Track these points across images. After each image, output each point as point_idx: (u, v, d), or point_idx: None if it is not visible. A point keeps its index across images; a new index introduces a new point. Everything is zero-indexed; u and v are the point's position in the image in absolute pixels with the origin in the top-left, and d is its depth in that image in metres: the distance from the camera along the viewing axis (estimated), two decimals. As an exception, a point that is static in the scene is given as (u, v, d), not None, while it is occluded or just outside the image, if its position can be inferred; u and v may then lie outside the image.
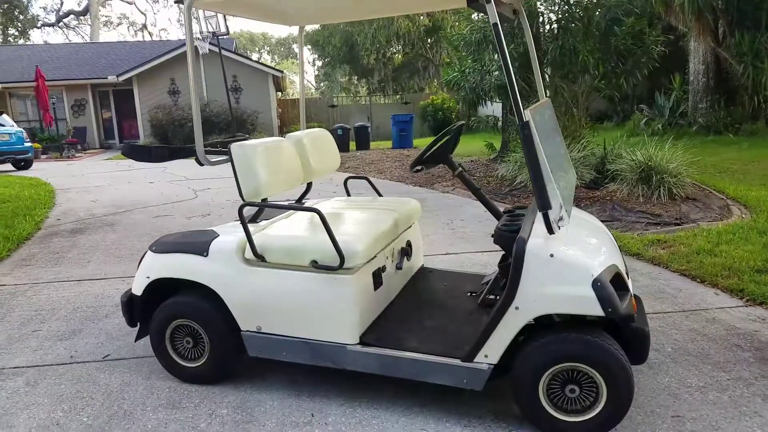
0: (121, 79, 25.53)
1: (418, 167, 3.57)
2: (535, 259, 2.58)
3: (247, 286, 3.07)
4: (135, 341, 3.45)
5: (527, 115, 2.47)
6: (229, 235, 3.17)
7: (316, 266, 2.91)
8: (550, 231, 2.53)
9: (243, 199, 3.08)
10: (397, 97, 29.89)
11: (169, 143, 24.30)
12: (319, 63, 42.82)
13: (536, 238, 2.62)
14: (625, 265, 3.05)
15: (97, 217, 8.34)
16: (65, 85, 26.40)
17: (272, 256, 3.02)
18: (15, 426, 2.93)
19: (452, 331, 3.03)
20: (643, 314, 2.98)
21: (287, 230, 3.23)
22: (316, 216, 2.92)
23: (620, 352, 2.56)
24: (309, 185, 4.03)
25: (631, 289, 2.73)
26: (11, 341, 3.97)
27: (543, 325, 2.71)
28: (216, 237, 3.18)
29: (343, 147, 19.19)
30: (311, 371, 3.23)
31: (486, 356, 2.69)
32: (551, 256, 2.57)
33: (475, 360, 2.70)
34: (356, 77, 37.94)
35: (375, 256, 3.14)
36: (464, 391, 2.87)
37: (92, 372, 3.48)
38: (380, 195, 4.22)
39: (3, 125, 17.61)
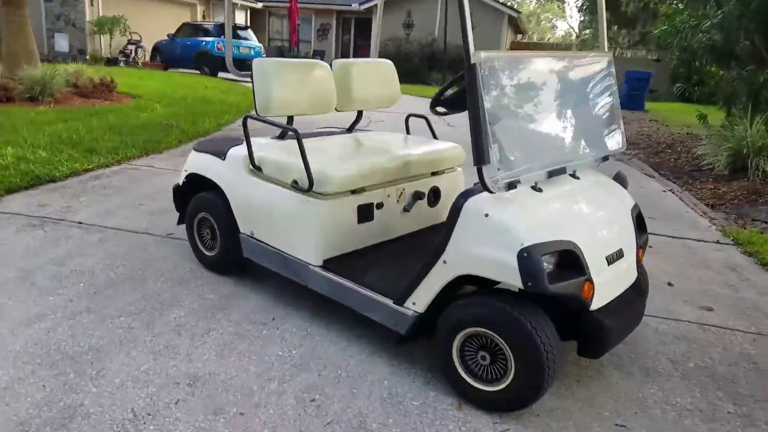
0: (362, 7, 27.44)
1: (439, 108, 3.43)
2: (470, 217, 2.51)
3: (246, 192, 3.46)
4: (176, 224, 4.11)
5: (478, 57, 2.36)
6: (245, 146, 3.57)
7: (294, 185, 3.18)
8: (485, 188, 2.44)
9: (256, 113, 3.43)
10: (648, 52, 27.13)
11: (396, 75, 25.67)
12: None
13: (480, 196, 2.53)
14: (638, 252, 2.84)
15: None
16: (314, 9, 29.17)
17: (267, 169, 3.34)
18: (64, 265, 3.79)
19: (407, 275, 3.08)
20: (623, 310, 2.70)
21: (287, 149, 3.50)
22: (344, 141, 3.13)
23: (538, 327, 2.39)
24: (359, 114, 4.19)
25: (589, 275, 2.48)
26: (119, 208, 4.98)
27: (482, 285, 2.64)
28: (236, 145, 3.60)
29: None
30: (295, 285, 3.53)
31: (414, 303, 2.73)
32: (486, 215, 2.47)
33: (404, 305, 2.76)
34: (616, 26, 35.03)
35: (363, 189, 3.27)
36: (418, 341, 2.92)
37: (149, 243, 4.24)
38: (435, 137, 4.21)
39: (247, 39, 20.49)
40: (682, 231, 5.29)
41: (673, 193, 6.79)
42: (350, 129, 4.26)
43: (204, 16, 26.78)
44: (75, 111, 9.22)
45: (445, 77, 23.13)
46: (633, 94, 18.26)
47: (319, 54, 28.11)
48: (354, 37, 29.66)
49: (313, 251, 3.13)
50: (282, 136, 3.74)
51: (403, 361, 2.92)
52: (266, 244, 3.37)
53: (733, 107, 8.28)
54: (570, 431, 2.50)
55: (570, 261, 2.47)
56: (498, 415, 2.56)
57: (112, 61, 19.80)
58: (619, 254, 2.70)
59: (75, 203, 5.02)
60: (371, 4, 26.74)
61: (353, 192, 3.20)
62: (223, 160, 3.56)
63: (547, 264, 2.43)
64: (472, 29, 2.39)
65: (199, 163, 3.72)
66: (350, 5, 28.01)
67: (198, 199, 3.77)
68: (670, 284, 4.06)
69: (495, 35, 25.16)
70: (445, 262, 2.58)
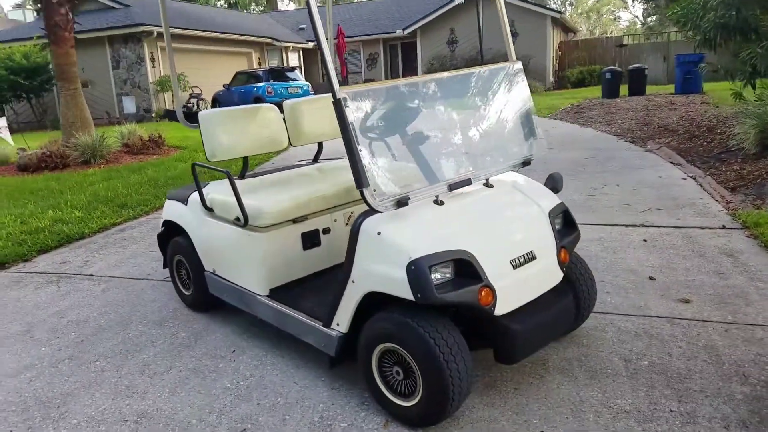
0: (406, 32, 27.80)
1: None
2: (366, 236, 2.55)
3: (204, 232, 3.62)
4: (163, 268, 4.33)
5: (341, 93, 2.40)
6: (203, 189, 3.73)
7: (235, 222, 3.31)
8: (370, 208, 2.47)
9: (207, 159, 3.61)
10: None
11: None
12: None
13: (375, 216, 2.56)
14: (560, 252, 2.79)
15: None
16: (362, 41, 29.82)
17: (217, 209, 3.49)
18: (64, 317, 4.08)
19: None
20: (539, 314, 2.63)
21: (215, 186, 3.61)
22: (293, 173, 3.29)
23: (438, 337, 2.36)
24: (319, 145, 4.27)
25: (486, 281, 2.44)
26: (130, 258, 5.29)
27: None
28: (194, 190, 3.79)
29: (612, 92, 17.84)
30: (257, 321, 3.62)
31: (338, 324, 2.77)
32: (378, 233, 2.51)
33: (330, 327, 2.81)
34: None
35: (305, 217, 3.35)
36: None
37: (146, 288, 4.48)
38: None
39: (295, 79, 21.25)
40: (686, 220, 5.01)
41: (695, 179, 6.43)
42: (314, 160, 4.37)
43: (260, 63, 27.92)
44: (120, 169, 9.87)
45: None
46: (687, 78, 17.42)
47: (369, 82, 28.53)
48: (402, 61, 30.02)
49: (258, 282, 3.23)
50: (242, 176, 3.89)
51: (345, 383, 2.95)
52: (225, 279, 3.51)
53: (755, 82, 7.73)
54: (490, 443, 2.43)
55: (467, 269, 2.44)
56: (418, 429, 2.53)
57: (170, 115, 20.98)
58: (528, 257, 2.64)
59: (93, 257, 5.38)
60: (413, 27, 27.04)
61: (294, 221, 3.29)
62: (186, 204, 3.74)
63: (443, 274, 2.42)
64: (514, 36, 2.45)
65: (170, 209, 3.94)
66: (394, 32, 28.43)
67: (173, 243, 3.97)
68: (651, 278, 3.86)
69: (540, 38, 24.74)
70: (353, 281, 2.61)
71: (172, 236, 3.97)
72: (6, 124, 11.07)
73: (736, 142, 7.22)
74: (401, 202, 2.48)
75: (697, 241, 4.49)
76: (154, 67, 22.30)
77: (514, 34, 25.43)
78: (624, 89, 18.28)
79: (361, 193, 2.39)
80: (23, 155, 10.41)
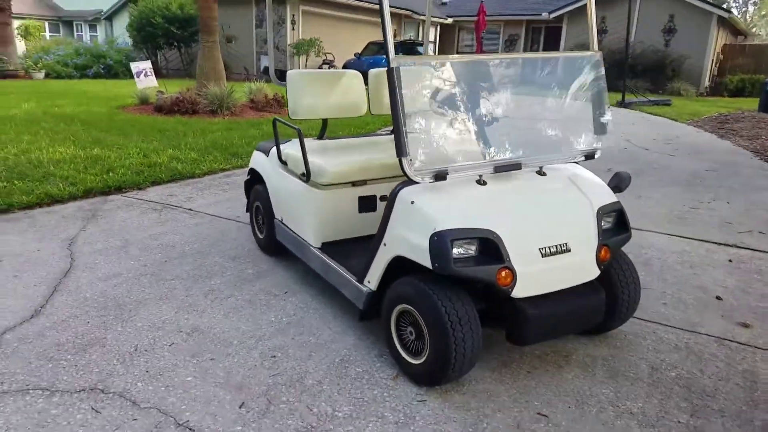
0: (552, 16, 27.02)
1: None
2: (401, 204, 2.78)
3: (277, 183, 4.02)
4: (245, 212, 4.80)
5: (395, 62, 2.60)
6: (283, 145, 4.11)
7: (301, 177, 3.66)
8: (407, 177, 2.68)
9: (289, 116, 3.98)
10: None
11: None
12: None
13: (413, 186, 2.77)
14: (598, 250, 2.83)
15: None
16: (504, 21, 29.37)
17: (290, 163, 3.86)
18: (157, 240, 4.69)
19: None
20: (563, 306, 2.73)
21: (314, 147, 3.94)
22: (367, 141, 3.58)
23: (449, 306, 2.54)
24: None
25: (508, 263, 2.58)
26: (228, 200, 5.88)
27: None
28: (276, 144, 4.17)
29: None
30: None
31: (369, 282, 3.04)
32: (412, 203, 2.72)
33: (363, 283, 3.09)
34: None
35: (365, 182, 3.63)
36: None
37: (232, 228, 4.99)
38: None
39: (420, 54, 21.48)
40: (788, 248, 4.71)
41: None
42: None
43: (395, 34, 28.45)
44: (241, 122, 10.70)
45: (638, 83, 21.88)
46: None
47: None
48: (543, 46, 29.23)
49: (313, 234, 3.57)
50: (320, 137, 4.23)
51: (371, 336, 3.21)
52: (288, 227, 3.89)
53: None
54: (485, 411, 2.60)
55: (492, 249, 2.60)
56: (424, 388, 2.75)
57: (267, 72, 22.04)
58: (561, 248, 2.72)
59: (196, 194, 6.03)
60: (561, 12, 26.19)
61: (354, 184, 3.57)
62: (267, 156, 4.15)
63: (466, 250, 2.60)
64: (672, 33, 2.63)
65: (256, 159, 4.38)
66: (540, 14, 27.71)
67: (255, 190, 4.42)
68: (718, 298, 3.75)
69: (701, 38, 23.09)
70: (385, 244, 2.86)
71: (255, 184, 4.41)
72: (150, 66, 12.29)
73: None
74: (439, 176, 2.66)
75: (790, 271, 4.25)
76: (293, 29, 23.46)
77: (671, 30, 23.92)
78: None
79: (400, 161, 2.60)
80: (160, 98, 11.57)
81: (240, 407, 2.58)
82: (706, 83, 23.98)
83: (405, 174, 2.61)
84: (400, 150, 2.57)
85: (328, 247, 3.54)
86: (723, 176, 7.54)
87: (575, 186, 2.97)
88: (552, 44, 27.87)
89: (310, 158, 3.51)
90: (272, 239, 4.17)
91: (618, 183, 3.16)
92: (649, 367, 2.96)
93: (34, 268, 4.02)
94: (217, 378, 2.80)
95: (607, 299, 2.97)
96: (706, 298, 3.75)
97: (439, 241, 2.51)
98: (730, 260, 4.42)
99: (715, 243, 4.82)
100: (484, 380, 2.82)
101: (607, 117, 3.13)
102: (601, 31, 25.60)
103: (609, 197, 2.99)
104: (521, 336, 2.68)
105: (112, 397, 2.63)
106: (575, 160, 3.09)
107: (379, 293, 2.96)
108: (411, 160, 2.58)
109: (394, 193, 2.78)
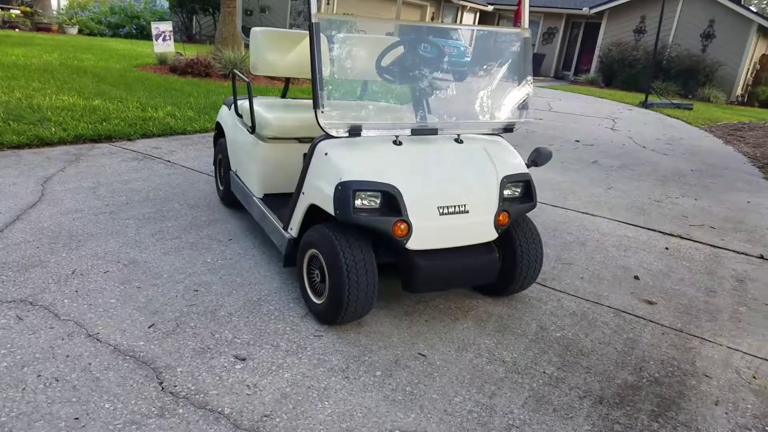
0: (593, 11, 26.73)
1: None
2: (317, 155, 3.01)
3: (233, 135, 4.28)
4: (213, 164, 5.08)
5: (316, 18, 2.81)
6: (243, 98, 4.38)
7: (249, 129, 3.91)
8: (321, 128, 2.92)
9: (248, 70, 4.23)
10: None
11: (612, 80, 24.84)
12: None
13: (330, 140, 3.00)
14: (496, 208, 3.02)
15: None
16: (543, 12, 29.09)
17: (244, 116, 4.11)
18: (127, 185, 5.00)
19: None
20: (456, 262, 2.95)
21: (269, 103, 4.19)
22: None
23: (347, 250, 2.78)
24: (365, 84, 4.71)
25: (405, 217, 2.79)
26: (210, 156, 6.19)
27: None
28: (241, 99, 4.43)
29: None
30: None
31: (291, 229, 3.30)
32: (326, 154, 2.97)
33: (287, 230, 3.35)
34: None
35: (311, 139, 3.85)
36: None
37: (202, 180, 5.28)
38: None
39: (457, 39, 21.45)
40: (730, 243, 4.85)
41: (785, 211, 6.02)
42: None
43: (433, 17, 28.40)
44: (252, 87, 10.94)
45: (668, 86, 21.68)
46: None
47: (538, 59, 27.88)
48: (581, 41, 28.94)
49: (256, 185, 3.83)
50: (283, 95, 4.47)
51: (296, 282, 3.47)
52: (239, 179, 4.16)
53: None
54: (371, 348, 2.85)
55: (394, 203, 2.83)
56: (325, 326, 3.00)
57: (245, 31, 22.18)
58: (458, 209, 2.93)
59: (180, 149, 6.33)
60: (602, 8, 25.91)
61: (300, 140, 3.81)
62: (230, 110, 4.42)
63: (370, 202, 2.83)
64: (710, 38, 2.83)
65: (220, 113, 4.65)
66: (580, 9, 27.43)
67: (219, 143, 4.69)
68: (636, 278, 3.93)
69: (738, 45, 22.68)
70: (303, 193, 3.11)
71: (220, 137, 4.68)
72: (171, 29, 12.63)
73: None
74: (353, 131, 2.88)
75: (720, 261, 4.39)
76: (328, 4, 23.63)
77: (710, 36, 23.55)
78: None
79: (316, 114, 2.84)
80: (177, 59, 11.91)
81: (149, 327, 2.86)
82: (739, 92, 23.58)
83: (320, 126, 2.84)
84: (316, 102, 2.80)
85: (269, 199, 3.79)
86: (705, 176, 7.60)
87: (487, 155, 3.17)
88: (590, 40, 27.62)
89: (261, 113, 3.75)
90: (229, 191, 4.45)
91: (536, 158, 3.36)
92: (538, 327, 3.17)
93: (4, 199, 4.35)
94: (138, 303, 3.09)
95: (507, 263, 3.19)
96: (623, 276, 3.93)
97: (343, 191, 2.75)
98: (666, 248, 4.58)
99: (660, 232, 4.97)
100: (382, 324, 3.06)
101: (528, 92, 3.31)
102: (640, 31, 25.31)
103: (517, 168, 3.18)
104: (411, 284, 2.91)
105: (37, 309, 2.93)
106: (494, 132, 3.28)
107: (299, 240, 3.21)
108: (323, 112, 2.81)
109: (314, 145, 3.01)
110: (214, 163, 4.91)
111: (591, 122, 12.06)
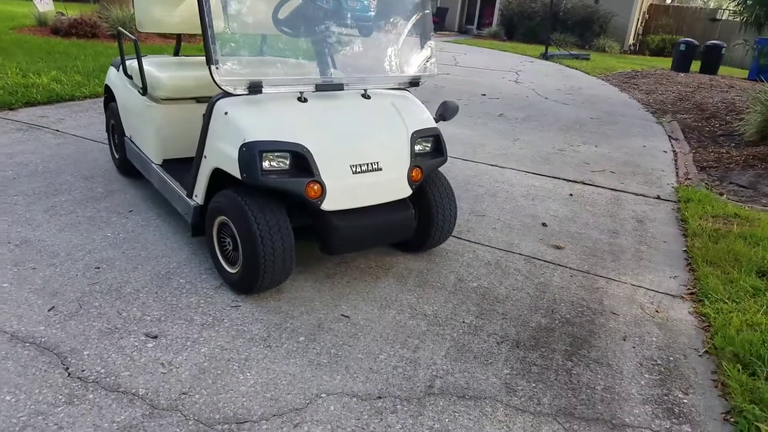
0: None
1: None
2: (216, 115, 2.85)
3: (125, 98, 3.99)
4: (106, 131, 4.74)
5: None
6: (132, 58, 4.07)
7: (140, 90, 3.65)
8: (217, 86, 2.75)
9: (135, 28, 3.94)
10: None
11: (514, 33, 25.33)
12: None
13: (230, 98, 2.84)
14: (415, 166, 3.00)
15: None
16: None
17: (134, 77, 3.84)
18: (12, 158, 4.60)
19: None
20: (371, 220, 2.91)
21: (161, 62, 3.94)
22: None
23: (259, 215, 2.67)
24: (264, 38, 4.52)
25: (317, 177, 2.70)
26: (103, 122, 5.78)
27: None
28: (130, 59, 4.14)
29: (682, 66, 17.17)
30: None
31: (196, 196, 3.13)
32: (225, 113, 2.80)
33: (192, 197, 3.18)
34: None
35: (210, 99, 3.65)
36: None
37: (96, 149, 4.95)
38: None
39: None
40: (628, 185, 5.11)
41: (675, 154, 6.42)
42: None
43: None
44: (143, 48, 10.29)
45: (566, 38, 22.38)
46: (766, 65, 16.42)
47: (442, 12, 27.87)
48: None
49: (154, 151, 3.61)
50: (176, 53, 4.21)
51: (206, 252, 3.33)
52: (135, 145, 3.90)
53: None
54: (293, 314, 2.79)
55: (304, 164, 2.73)
56: (242, 296, 2.90)
57: None
58: (371, 167, 2.88)
59: (70, 117, 5.89)
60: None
61: (198, 101, 3.60)
62: (118, 71, 4.11)
63: (279, 163, 2.72)
64: None
65: (109, 74, 4.32)
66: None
67: (110, 108, 4.38)
68: (543, 224, 4.07)
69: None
70: (205, 156, 2.95)
71: (111, 101, 4.37)
72: (47, -12, 11.63)
73: (739, 128, 7.08)
74: (253, 88, 2.75)
75: (621, 204, 4.63)
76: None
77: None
78: (697, 65, 17.48)
79: (210, 70, 2.67)
80: (58, 19, 11.00)
81: (49, 311, 2.67)
82: (631, 41, 24.69)
83: (215, 83, 2.68)
84: (209, 57, 2.63)
85: (169, 165, 3.59)
86: (604, 123, 7.95)
87: (396, 110, 3.12)
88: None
89: (152, 72, 3.51)
90: (125, 158, 4.18)
91: (443, 112, 3.35)
92: (456, 279, 3.22)
93: None
94: (34, 285, 2.87)
95: (422, 219, 3.20)
96: (532, 224, 4.06)
97: (248, 152, 2.62)
98: (571, 194, 4.77)
99: (564, 180, 5.16)
100: (303, 289, 3.01)
101: (432, 46, 3.28)
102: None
103: (426, 123, 3.16)
104: (329, 247, 2.86)
105: None
106: (400, 86, 3.24)
107: (206, 207, 3.06)
108: (218, 68, 2.65)
109: (211, 104, 2.85)
110: (107, 130, 4.59)
111: (496, 75, 12.29)
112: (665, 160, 6.16)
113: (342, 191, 2.80)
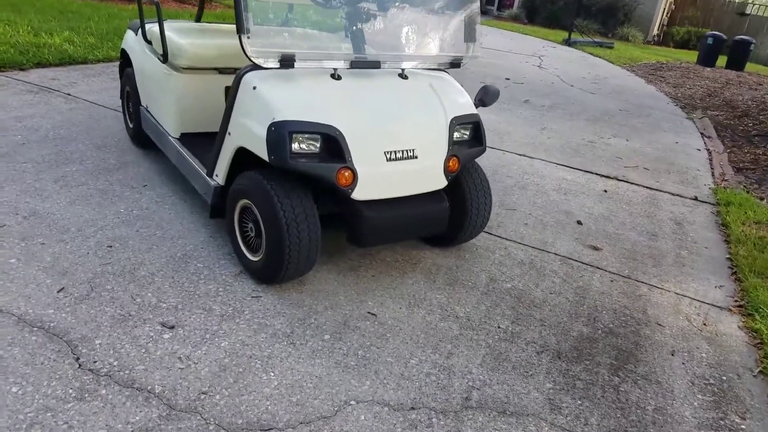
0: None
1: None
2: (244, 89, 2.65)
3: (142, 65, 3.78)
4: (120, 98, 4.54)
5: None
6: (151, 22, 3.87)
7: (160, 57, 3.45)
8: (247, 57, 2.55)
9: None
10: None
11: (535, 16, 24.88)
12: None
13: (258, 71, 2.64)
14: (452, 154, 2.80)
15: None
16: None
17: (154, 42, 3.62)
18: (21, 122, 4.41)
19: None
20: (404, 212, 2.72)
21: (181, 28, 3.73)
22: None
23: (285, 201, 2.49)
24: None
25: (349, 163, 2.52)
26: (116, 88, 5.58)
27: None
28: (150, 23, 3.92)
29: (708, 60, 16.79)
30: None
31: (217, 175, 2.95)
32: (254, 88, 2.60)
33: (212, 177, 2.99)
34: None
35: (234, 70, 3.45)
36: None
37: (108, 116, 4.75)
38: None
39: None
40: (664, 184, 4.90)
41: (709, 152, 6.19)
42: None
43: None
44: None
45: (589, 25, 21.94)
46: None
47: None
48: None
49: (172, 122, 3.41)
50: (198, 19, 4.00)
51: (224, 235, 3.15)
52: (152, 115, 3.71)
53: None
54: (317, 308, 2.62)
55: (336, 147, 2.54)
56: (263, 285, 2.73)
57: None
58: (407, 154, 2.69)
59: (82, 80, 5.68)
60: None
61: (220, 71, 3.40)
62: (136, 35, 3.90)
63: (309, 146, 2.52)
64: None
65: (126, 39, 4.11)
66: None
67: (126, 73, 4.17)
68: (579, 222, 3.88)
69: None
70: (229, 133, 2.76)
71: (127, 67, 4.16)
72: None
73: (778, 127, 6.85)
74: (285, 61, 2.54)
75: (658, 204, 4.43)
76: None
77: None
78: (723, 60, 17.11)
79: (240, 40, 2.47)
80: (71, -22, 10.70)
81: (58, 292, 2.51)
82: (655, 32, 24.21)
83: (246, 55, 2.49)
84: (240, 26, 2.43)
85: (187, 139, 3.41)
86: (632, 116, 7.71)
87: (434, 93, 2.92)
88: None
89: (174, 38, 3.31)
90: (140, 128, 3.99)
91: (483, 97, 3.15)
92: (488, 278, 3.05)
93: None
94: (43, 262, 2.71)
95: (456, 212, 3.01)
96: (566, 222, 3.87)
97: (277, 132, 2.43)
98: (605, 190, 4.57)
99: (597, 174, 4.96)
100: (326, 281, 2.84)
101: (476, 23, 3.07)
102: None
103: (466, 109, 2.96)
104: (358, 238, 2.68)
105: None
106: (440, 67, 3.03)
107: (228, 188, 2.88)
108: (250, 37, 2.45)
109: (239, 77, 2.65)
110: (122, 97, 4.40)
111: (518, 59, 12.00)
112: (699, 158, 5.94)
113: (374, 180, 2.61)
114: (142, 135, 3.97)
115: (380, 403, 2.11)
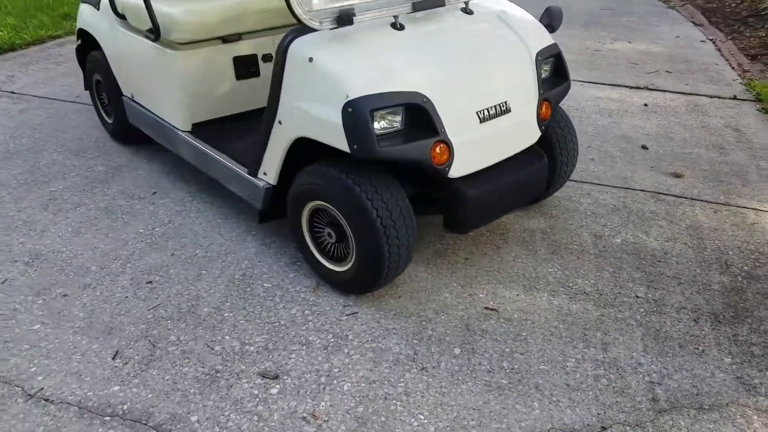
0: None
1: None
2: (294, 63, 2.09)
3: (117, 46, 3.10)
4: (84, 89, 3.81)
5: None
6: None
7: (147, 34, 2.78)
8: (297, 20, 1.99)
9: None
10: None
11: None
12: None
13: (308, 35, 2.09)
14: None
15: None
16: None
17: (129, 16, 2.93)
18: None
19: None
20: (505, 179, 2.27)
21: None
22: None
23: (374, 197, 2.02)
24: None
25: (443, 135, 2.04)
26: (62, 75, 4.78)
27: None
28: None
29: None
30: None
31: (265, 174, 2.40)
32: (310, 60, 2.05)
33: (257, 176, 2.45)
34: None
35: (240, 37, 2.84)
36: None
37: (71, 112, 4.02)
38: None
39: None
40: (696, 86, 4.56)
41: (714, 42, 5.86)
42: None
43: None
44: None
45: None
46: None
47: None
48: None
49: (177, 114, 2.81)
50: None
51: (278, 240, 2.66)
52: (143, 107, 3.07)
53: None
54: (427, 315, 2.20)
55: (421, 118, 2.03)
56: (352, 297, 2.28)
57: None
58: (500, 109, 2.22)
59: (20, 72, 4.86)
60: None
61: (224, 41, 2.78)
62: (98, 9, 3.19)
63: (390, 122, 2.02)
64: None
65: (82, 16, 3.38)
66: None
67: (91, 58, 3.47)
68: (644, 147, 3.51)
69: None
70: (280, 122, 2.21)
71: (91, 50, 3.45)
72: None
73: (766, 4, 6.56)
74: (343, 18, 2.00)
75: (703, 110, 4.10)
76: None
77: None
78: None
79: (288, 1, 1.91)
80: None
81: (113, 358, 2.00)
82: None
83: (295, 17, 1.93)
84: None
85: (200, 130, 2.82)
86: (617, 14, 7.29)
87: (508, 26, 2.42)
88: None
89: (162, 8, 2.65)
90: (125, 123, 3.34)
91: (550, 20, 2.67)
92: (592, 236, 2.67)
93: None
94: (75, 321, 2.18)
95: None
96: (631, 149, 3.50)
97: (356, 114, 1.91)
98: (645, 104, 4.21)
99: (628, 87, 4.58)
100: (418, 278, 2.41)
101: None
102: None
103: (546, 39, 2.49)
104: (463, 223, 2.24)
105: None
106: None
107: (281, 187, 2.35)
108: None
109: (283, 48, 2.09)
110: (88, 88, 3.69)
111: None
112: (709, 50, 5.62)
113: (471, 148, 2.15)
114: (128, 129, 3.33)
115: (564, 430, 1.73)
